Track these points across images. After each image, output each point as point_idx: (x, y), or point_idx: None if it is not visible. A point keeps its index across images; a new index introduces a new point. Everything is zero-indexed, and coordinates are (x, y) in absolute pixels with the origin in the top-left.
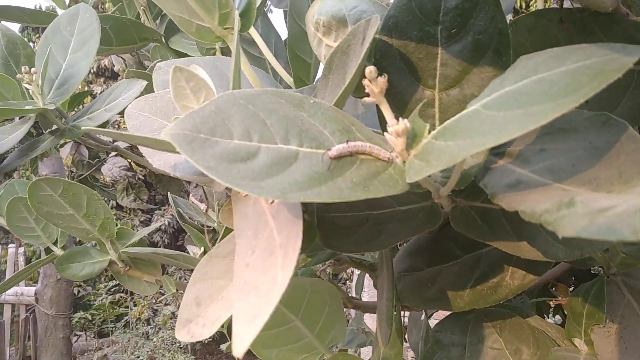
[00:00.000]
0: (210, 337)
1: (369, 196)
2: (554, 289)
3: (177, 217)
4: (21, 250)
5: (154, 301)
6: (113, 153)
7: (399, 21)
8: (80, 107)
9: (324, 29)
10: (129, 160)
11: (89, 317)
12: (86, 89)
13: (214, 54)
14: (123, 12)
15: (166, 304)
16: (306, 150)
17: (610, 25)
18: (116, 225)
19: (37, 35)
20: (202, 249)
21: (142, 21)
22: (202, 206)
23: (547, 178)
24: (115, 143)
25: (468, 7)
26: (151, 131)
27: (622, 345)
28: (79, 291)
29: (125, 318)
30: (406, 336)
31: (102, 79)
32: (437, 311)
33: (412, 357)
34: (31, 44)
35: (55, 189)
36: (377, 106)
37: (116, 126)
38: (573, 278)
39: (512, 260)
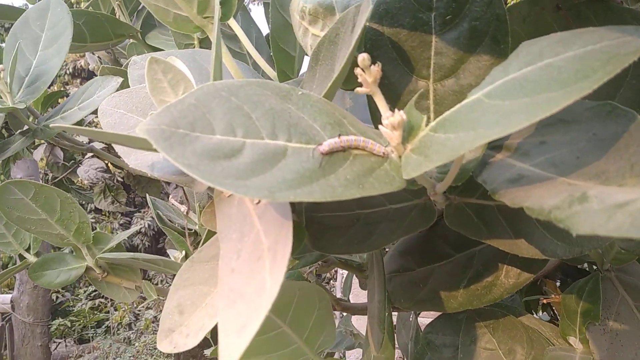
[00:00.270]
0: None
1: (363, 194)
2: (543, 285)
3: (156, 220)
4: None
5: (135, 305)
6: (89, 154)
7: (390, 8)
8: (55, 107)
9: (310, 17)
10: (106, 162)
11: (69, 324)
12: (62, 90)
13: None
14: (97, 8)
15: (148, 308)
16: (295, 145)
17: (605, 13)
18: (93, 229)
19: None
20: (184, 252)
21: (117, 16)
22: (183, 208)
23: (551, 172)
24: (91, 144)
25: None
26: (127, 128)
27: (618, 343)
28: (57, 297)
29: (106, 323)
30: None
31: (78, 80)
32: None
33: (400, 357)
34: (3, 44)
35: (26, 192)
36: (369, 98)
37: (93, 126)
38: (560, 274)
39: (507, 258)
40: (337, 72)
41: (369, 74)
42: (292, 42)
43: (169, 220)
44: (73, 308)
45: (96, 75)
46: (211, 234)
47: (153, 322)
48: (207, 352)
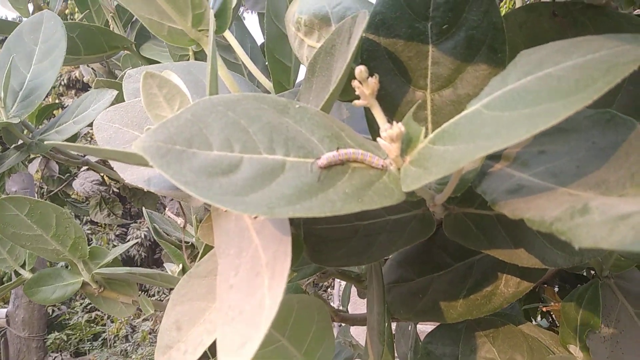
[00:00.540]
0: None
1: (363, 208)
2: (542, 292)
3: (153, 233)
4: None
5: (132, 317)
6: (84, 167)
7: (386, 18)
8: (50, 119)
9: (305, 28)
10: (101, 174)
11: (65, 337)
12: (57, 101)
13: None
14: (91, 20)
15: (144, 320)
16: (293, 159)
17: (601, 19)
18: (89, 240)
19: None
20: (181, 266)
21: (111, 28)
22: (180, 221)
23: (551, 182)
24: (85, 157)
25: (460, 1)
26: (122, 143)
27: (618, 350)
28: (53, 310)
29: (103, 336)
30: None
31: (73, 91)
32: None
33: None
34: None
35: (21, 208)
36: (367, 110)
37: (88, 139)
38: (558, 280)
39: (506, 267)
40: (334, 85)
41: (366, 87)
42: (288, 53)
43: (166, 234)
44: (69, 321)
45: (91, 87)
46: (209, 248)
47: (150, 333)
48: None
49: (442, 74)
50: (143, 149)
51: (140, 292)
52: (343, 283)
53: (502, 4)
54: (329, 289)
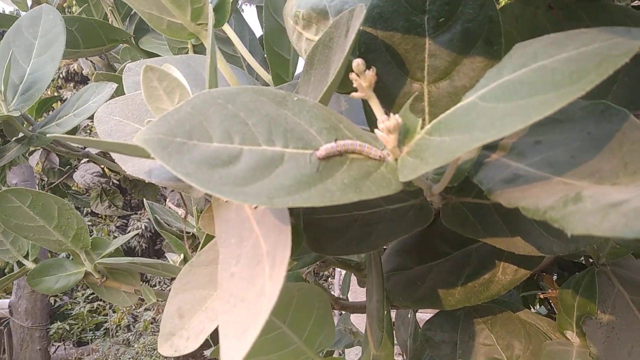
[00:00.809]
0: None
1: (361, 198)
2: (540, 280)
3: (154, 224)
4: None
5: (133, 307)
6: (85, 159)
7: (383, 11)
8: (49, 112)
9: (303, 21)
10: (102, 166)
11: (67, 327)
12: (55, 94)
13: (187, 54)
14: (89, 13)
15: (146, 309)
16: (292, 151)
17: (597, 11)
18: (90, 232)
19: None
20: (182, 256)
21: (110, 22)
22: (180, 211)
23: (546, 171)
24: (86, 149)
25: None
26: (123, 136)
27: (614, 336)
28: (55, 301)
29: (105, 325)
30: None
31: (71, 84)
32: None
33: (399, 354)
34: None
35: (23, 200)
36: (364, 102)
37: (88, 131)
38: (557, 268)
39: (503, 255)
40: (332, 77)
41: (363, 79)
42: (286, 46)
43: (167, 224)
44: (71, 311)
45: (90, 80)
46: (210, 237)
47: (152, 323)
48: (207, 352)
49: (439, 66)
50: (145, 141)
51: (142, 282)
52: (343, 273)
53: None
54: (329, 279)
